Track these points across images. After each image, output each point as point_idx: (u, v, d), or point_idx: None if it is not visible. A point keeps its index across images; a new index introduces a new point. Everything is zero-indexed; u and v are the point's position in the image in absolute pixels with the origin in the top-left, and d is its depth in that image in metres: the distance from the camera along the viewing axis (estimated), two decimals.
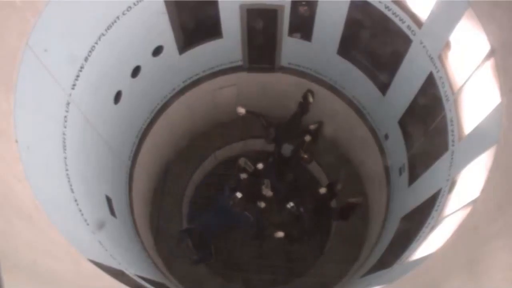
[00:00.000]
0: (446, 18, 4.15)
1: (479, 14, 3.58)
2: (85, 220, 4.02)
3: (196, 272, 6.94)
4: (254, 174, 6.87)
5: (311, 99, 6.75)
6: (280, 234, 6.39)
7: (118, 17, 4.47)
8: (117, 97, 5.19)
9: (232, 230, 6.71)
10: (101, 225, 4.35)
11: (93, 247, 3.92)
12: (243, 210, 6.34)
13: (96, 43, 4.29)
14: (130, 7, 4.56)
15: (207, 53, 6.30)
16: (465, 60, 4.04)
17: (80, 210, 3.98)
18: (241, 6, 5.65)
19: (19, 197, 2.91)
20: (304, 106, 6.88)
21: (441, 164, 4.62)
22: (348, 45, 5.96)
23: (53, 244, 3.00)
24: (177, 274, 6.58)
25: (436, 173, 4.76)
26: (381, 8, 4.88)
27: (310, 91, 6.77)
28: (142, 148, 6.36)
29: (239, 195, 6.16)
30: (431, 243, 4.02)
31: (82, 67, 4.18)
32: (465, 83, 4.08)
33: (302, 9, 5.71)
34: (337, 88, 6.78)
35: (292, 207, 6.53)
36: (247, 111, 6.66)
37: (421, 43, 4.69)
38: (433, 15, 4.38)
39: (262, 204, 6.67)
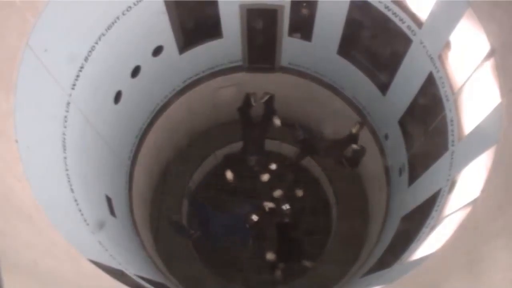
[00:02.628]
0: (446, 18, 4.15)
1: (479, 14, 3.58)
2: (85, 220, 4.02)
3: (196, 272, 6.95)
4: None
5: (354, 130, 6.42)
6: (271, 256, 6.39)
7: (118, 17, 4.47)
8: (117, 97, 5.19)
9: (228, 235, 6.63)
10: (101, 225, 4.35)
11: (93, 247, 3.92)
12: (248, 230, 6.32)
13: (96, 43, 4.29)
14: (130, 7, 4.56)
15: (207, 53, 6.30)
16: (465, 60, 4.04)
17: (80, 210, 3.98)
18: (241, 6, 5.65)
19: (19, 197, 2.91)
20: (353, 137, 6.58)
21: (441, 164, 4.62)
22: (348, 45, 5.96)
23: (53, 244, 3.00)
24: (177, 274, 6.58)
25: (436, 173, 4.76)
26: (381, 8, 4.88)
27: (360, 122, 6.48)
28: (142, 148, 6.35)
29: (255, 218, 6.10)
30: (431, 243, 4.02)
31: (82, 67, 4.18)
32: (465, 83, 4.08)
33: (304, 10, 5.71)
34: (337, 88, 6.78)
35: (287, 209, 6.41)
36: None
37: (421, 43, 4.69)
38: (433, 15, 4.38)
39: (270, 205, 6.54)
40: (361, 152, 6.52)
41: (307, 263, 6.93)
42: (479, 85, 3.84)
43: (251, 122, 6.97)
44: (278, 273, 6.72)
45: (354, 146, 6.43)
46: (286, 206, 6.44)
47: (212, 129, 8.01)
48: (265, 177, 7.00)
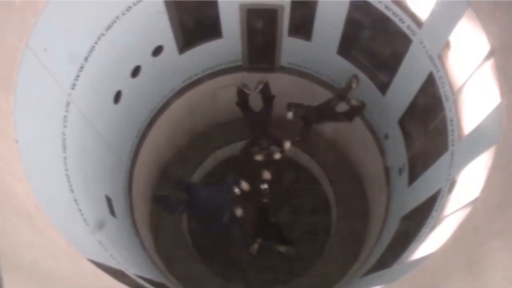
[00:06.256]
0: (446, 18, 4.15)
1: (479, 14, 3.58)
2: (85, 220, 4.02)
3: (196, 272, 6.95)
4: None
5: (354, 85, 6.17)
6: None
7: (118, 17, 4.47)
8: (117, 97, 5.19)
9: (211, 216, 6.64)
10: (101, 225, 4.35)
11: (93, 247, 3.93)
12: (233, 205, 6.43)
13: (96, 43, 4.29)
14: (130, 7, 4.56)
15: (207, 53, 6.30)
16: (465, 60, 4.04)
17: (80, 210, 3.99)
18: (241, 6, 5.65)
19: (19, 197, 2.91)
20: (344, 92, 6.37)
21: (441, 164, 4.62)
22: (348, 45, 5.96)
23: (53, 244, 3.00)
24: (177, 274, 6.59)
25: (436, 173, 4.76)
26: (381, 8, 4.88)
27: (355, 76, 6.16)
28: (142, 148, 6.35)
29: (237, 191, 6.27)
30: (431, 243, 4.02)
31: (82, 67, 4.18)
32: (465, 83, 4.08)
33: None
34: (337, 88, 6.78)
35: (265, 189, 6.55)
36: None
37: (421, 43, 4.69)
38: (433, 15, 4.38)
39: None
40: (361, 107, 6.38)
41: (281, 248, 6.96)
42: (479, 85, 3.84)
43: (253, 112, 6.94)
44: (255, 246, 6.80)
45: (354, 101, 6.28)
46: (264, 186, 6.56)
47: (212, 129, 8.01)
48: (277, 155, 7.04)
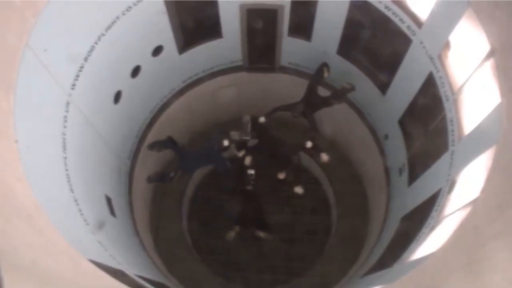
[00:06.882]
0: (446, 18, 4.15)
1: (479, 14, 3.58)
2: (85, 220, 4.02)
3: (196, 272, 6.95)
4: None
5: (326, 74, 6.25)
6: None
7: (118, 17, 4.47)
8: (117, 97, 5.19)
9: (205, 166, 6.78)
10: (101, 225, 4.35)
11: (93, 247, 3.93)
12: (224, 158, 6.47)
13: (96, 43, 4.30)
14: (130, 7, 4.56)
15: (207, 53, 6.30)
16: (465, 60, 4.04)
17: (80, 210, 3.99)
18: (241, 6, 5.65)
19: (19, 197, 2.91)
20: (318, 78, 6.41)
21: (441, 164, 4.62)
22: (348, 45, 5.96)
23: (53, 244, 3.00)
24: (177, 274, 6.59)
25: (436, 173, 4.76)
26: (381, 8, 4.88)
27: (325, 64, 6.23)
28: (142, 148, 6.36)
29: (226, 142, 6.26)
30: (431, 243, 4.02)
31: (82, 67, 4.18)
32: (465, 83, 4.09)
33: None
34: (337, 88, 6.78)
35: (251, 174, 6.41)
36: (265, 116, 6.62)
37: (421, 43, 4.69)
38: (433, 15, 4.39)
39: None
40: (350, 89, 6.32)
41: (260, 234, 6.98)
42: (479, 85, 3.84)
43: (258, 146, 6.84)
44: (232, 234, 6.84)
45: (344, 84, 6.27)
46: (250, 171, 6.40)
47: (212, 129, 8.00)
48: (325, 157, 6.80)
